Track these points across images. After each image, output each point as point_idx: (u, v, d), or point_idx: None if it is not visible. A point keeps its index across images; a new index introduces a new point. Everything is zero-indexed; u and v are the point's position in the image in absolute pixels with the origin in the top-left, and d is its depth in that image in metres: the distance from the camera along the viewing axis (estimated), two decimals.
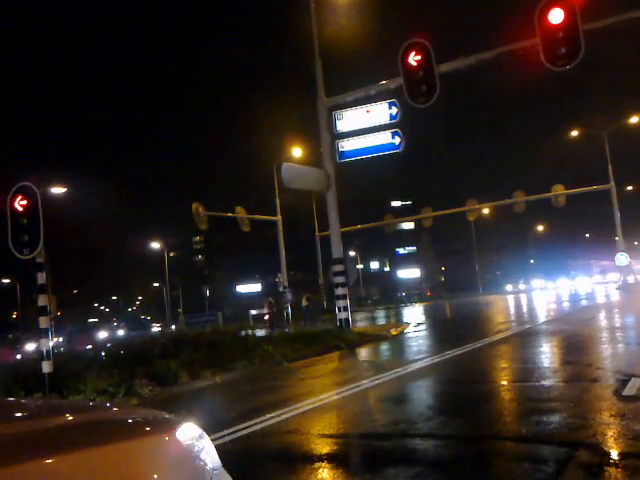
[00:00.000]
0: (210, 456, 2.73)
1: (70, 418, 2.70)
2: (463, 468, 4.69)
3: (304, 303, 30.31)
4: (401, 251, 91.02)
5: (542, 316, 22.97)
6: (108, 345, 22.17)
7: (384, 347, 16.21)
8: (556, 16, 14.63)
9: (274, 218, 33.08)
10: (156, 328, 45.50)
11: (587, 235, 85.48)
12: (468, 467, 4.70)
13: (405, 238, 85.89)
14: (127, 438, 2.44)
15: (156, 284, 71.60)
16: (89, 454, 2.19)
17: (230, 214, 30.36)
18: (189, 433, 2.66)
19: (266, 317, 30.20)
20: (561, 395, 7.19)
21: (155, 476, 2.34)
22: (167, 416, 2.90)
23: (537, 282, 64.77)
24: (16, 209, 10.32)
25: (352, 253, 58.76)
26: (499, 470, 4.61)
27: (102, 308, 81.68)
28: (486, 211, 41.64)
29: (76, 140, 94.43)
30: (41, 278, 10.45)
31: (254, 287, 69.55)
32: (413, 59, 16.41)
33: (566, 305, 28.73)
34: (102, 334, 39.64)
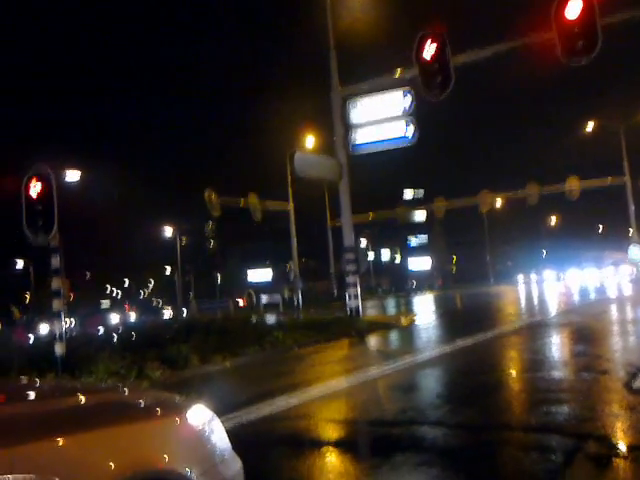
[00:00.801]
0: (220, 439, 2.76)
1: (82, 399, 2.74)
2: (471, 456, 4.71)
3: (286, 294, 30.46)
4: (412, 241, 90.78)
5: (553, 308, 22.89)
6: (120, 329, 22.39)
7: (394, 336, 16.24)
8: (573, 10, 14.42)
9: (286, 206, 33.09)
10: (167, 313, 45.78)
11: (600, 227, 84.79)
12: (476, 455, 4.73)
13: (417, 228, 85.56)
14: (138, 420, 2.48)
15: (168, 270, 71.96)
16: (100, 435, 2.22)
17: (242, 201, 30.40)
18: (199, 416, 2.70)
19: (241, 304, 30.49)
20: (570, 386, 7.19)
21: (166, 457, 2.37)
22: (178, 399, 2.94)
23: (548, 274, 64.39)
24: (31, 193, 10.40)
25: (363, 242, 58.75)
26: (507, 459, 4.63)
27: (114, 292, 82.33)
28: (499, 202, 41.40)
29: (91, 125, 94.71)
30: (55, 262, 10.55)
31: (265, 274, 69.72)
32: (428, 50, 16.25)
33: (577, 297, 28.58)
34: (114, 318, 39.98)
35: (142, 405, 2.74)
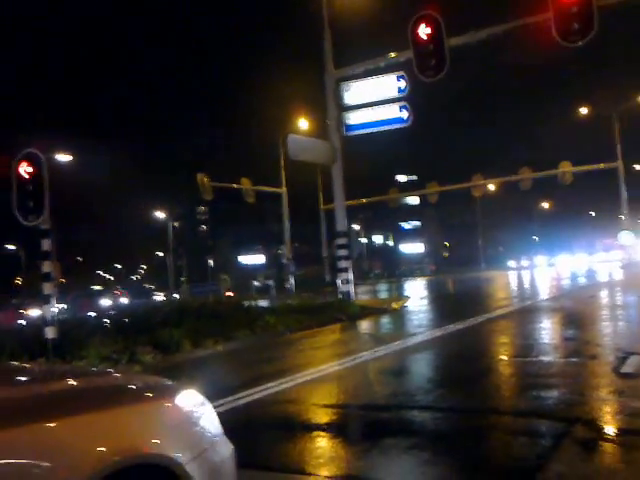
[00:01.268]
0: (211, 423, 2.75)
1: (72, 383, 2.73)
2: (460, 440, 4.75)
3: (261, 280, 30.52)
4: (405, 226, 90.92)
5: (543, 293, 23.02)
6: (111, 312, 22.35)
7: (385, 320, 16.30)
8: None
9: (279, 190, 33.02)
10: (159, 297, 45.74)
11: (592, 213, 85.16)
12: (465, 439, 4.76)
13: (410, 213, 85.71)
14: (128, 403, 2.47)
15: (160, 253, 71.86)
16: (90, 418, 2.21)
17: (235, 185, 30.30)
18: (190, 400, 2.69)
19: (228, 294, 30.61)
20: (560, 371, 7.24)
21: (155, 442, 2.36)
22: (168, 383, 2.93)
23: (540, 259, 64.71)
24: (21, 176, 10.32)
25: (356, 226, 58.73)
26: (496, 443, 4.66)
27: (106, 276, 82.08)
28: (492, 187, 41.43)
29: (82, 108, 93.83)
30: (46, 245, 10.50)
31: (258, 258, 69.73)
32: (423, 32, 16.16)
33: (568, 282, 28.76)
34: (105, 301, 39.93)
35: (132, 389, 2.73)
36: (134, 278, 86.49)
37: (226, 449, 2.80)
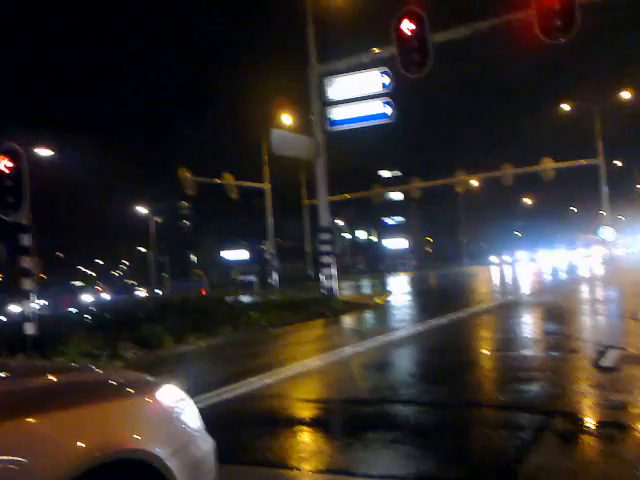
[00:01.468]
0: (191, 418, 2.75)
1: (50, 379, 2.70)
2: (442, 433, 4.78)
3: (237, 276, 30.52)
4: (389, 221, 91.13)
5: (525, 288, 23.24)
6: (92, 308, 22.18)
7: (368, 315, 16.35)
8: None
9: (262, 185, 32.94)
10: (141, 292, 45.46)
11: (574, 209, 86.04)
12: (447, 433, 4.80)
13: (393, 208, 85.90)
14: (108, 399, 2.45)
15: (142, 249, 71.37)
16: (69, 415, 2.19)
17: (218, 180, 30.17)
18: (170, 395, 2.68)
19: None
20: (540, 365, 7.32)
21: (135, 437, 2.35)
22: (148, 378, 2.91)
23: (522, 254, 65.30)
24: (1, 170, 10.18)
25: (340, 222, 58.80)
26: (477, 436, 4.70)
27: (87, 272, 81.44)
28: (475, 183, 41.65)
29: (63, 102, 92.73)
30: (25, 240, 10.37)
31: (241, 254, 69.53)
32: (407, 27, 16.14)
33: (549, 278, 29.07)
34: (86, 297, 39.61)
35: (111, 385, 2.71)
36: (116, 274, 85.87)
37: (207, 444, 2.80)
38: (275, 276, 31.62)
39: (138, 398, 2.57)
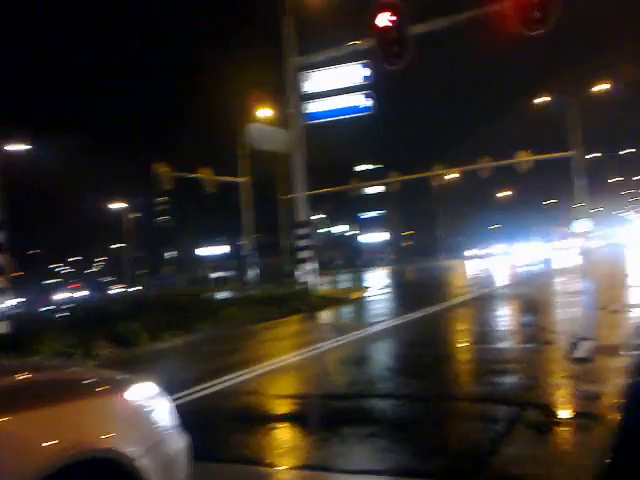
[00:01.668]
0: (165, 416, 2.73)
1: (20, 378, 2.67)
2: (418, 427, 4.80)
3: (209, 273, 30.48)
4: (367, 215, 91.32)
5: (501, 280, 23.46)
6: (68, 306, 21.93)
7: (346, 310, 16.38)
8: None
9: (239, 179, 32.75)
10: (118, 290, 45.05)
11: (552, 202, 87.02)
12: (423, 426, 4.82)
13: (372, 202, 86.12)
14: (79, 398, 2.43)
15: (118, 245, 70.71)
16: (39, 414, 2.17)
17: (195, 175, 29.93)
18: (141, 393, 2.66)
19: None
20: (515, 357, 7.38)
21: (107, 436, 2.33)
22: (120, 377, 2.88)
23: (499, 247, 65.92)
24: None
25: (318, 216, 58.81)
26: (452, 429, 4.74)
27: (63, 270, 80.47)
28: (454, 176, 41.91)
29: (38, 98, 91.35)
30: None
31: (219, 249, 69.18)
32: (385, 19, 16.10)
33: (524, 270, 29.38)
34: (62, 295, 39.14)
35: (82, 383, 2.68)
36: (92, 271, 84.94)
37: (180, 442, 2.80)
38: (253, 272, 31.53)
39: (110, 397, 2.55)
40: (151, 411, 2.66)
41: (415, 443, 4.38)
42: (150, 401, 2.69)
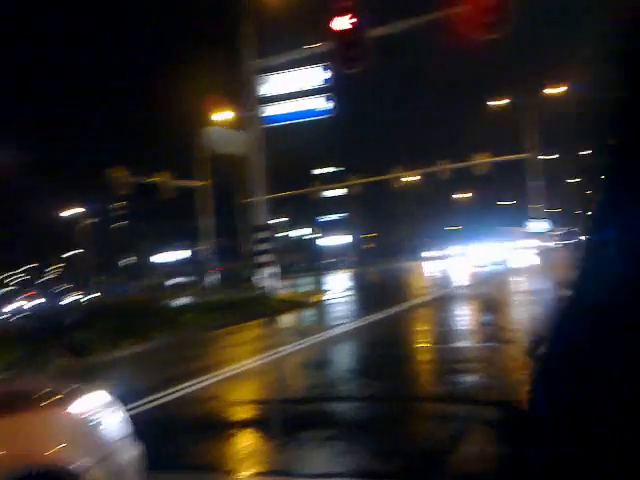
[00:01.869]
0: (116, 426, 2.66)
1: None
2: (378, 428, 4.79)
3: (164, 280, 30.23)
4: (329, 218, 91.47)
5: (459, 281, 23.76)
6: (22, 315, 21.33)
7: (307, 313, 16.32)
8: None
9: (196, 183, 32.39)
10: (75, 297, 44.06)
11: (509, 203, 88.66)
12: (383, 426, 4.81)
13: (334, 205, 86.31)
14: (23, 411, 2.36)
15: (74, 252, 69.18)
16: None
17: (152, 180, 29.46)
18: (91, 404, 2.60)
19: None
20: (476, 356, 7.45)
21: (55, 449, 2.27)
22: (70, 387, 2.80)
23: (459, 248, 66.83)
24: None
25: (279, 220, 58.67)
26: (412, 428, 4.74)
27: (17, 278, 78.41)
28: (416, 178, 42.17)
29: None
30: None
31: (179, 255, 68.30)
32: (343, 23, 16.09)
33: (483, 270, 29.86)
34: (16, 304, 38.09)
35: (29, 396, 2.59)
36: (48, 278, 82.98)
37: (133, 451, 2.74)
38: (213, 277, 31.22)
39: (58, 409, 2.48)
40: (102, 422, 2.59)
41: (375, 444, 4.36)
42: (101, 411, 2.63)
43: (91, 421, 2.54)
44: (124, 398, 2.80)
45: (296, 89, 18.72)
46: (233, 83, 20.58)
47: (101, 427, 2.56)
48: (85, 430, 2.50)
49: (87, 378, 7.50)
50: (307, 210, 76.51)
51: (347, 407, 5.58)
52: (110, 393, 2.78)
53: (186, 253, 63.56)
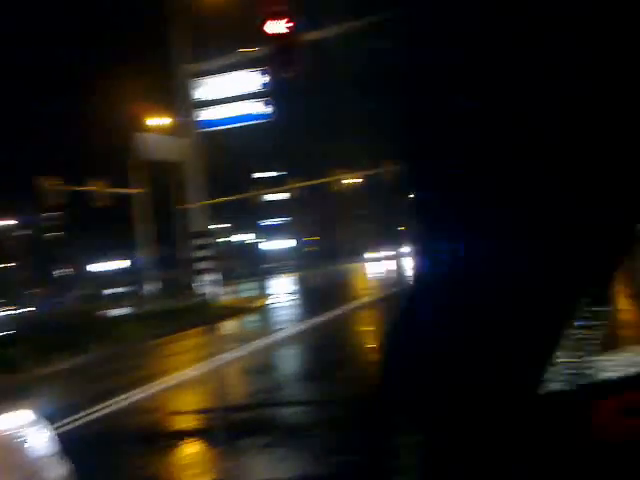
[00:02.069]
0: (41, 444, 2.56)
1: None
2: (316, 432, 4.78)
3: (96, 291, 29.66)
4: (272, 222, 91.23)
5: (400, 281, 24.07)
6: None
7: (249, 319, 16.19)
8: None
9: (133, 191, 31.68)
10: (6, 312, 42.28)
11: None
12: (321, 431, 4.80)
13: (276, 209, 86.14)
14: None
15: (5, 265, 66.49)
16: None
17: (86, 188, 28.65)
18: (12, 422, 2.48)
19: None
20: None
21: None
22: None
23: (399, 248, 67.74)
24: None
25: (220, 225, 58.08)
26: (352, 431, 4.73)
27: None
28: (355, 181, 42.50)
29: None
30: None
31: (116, 264, 66.63)
32: (275, 27, 16.01)
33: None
34: None
35: None
36: None
37: (60, 470, 2.62)
38: (152, 286, 30.60)
39: None
40: (27, 440, 2.48)
41: (312, 448, 4.36)
42: (24, 430, 2.51)
43: (15, 439, 2.44)
44: (54, 415, 2.69)
45: (234, 93, 18.56)
46: (169, 87, 20.24)
47: (24, 446, 2.46)
48: (8, 449, 2.39)
49: (17, 395, 7.20)
50: (249, 215, 76.03)
51: (285, 413, 5.56)
52: (36, 410, 2.67)
53: (124, 262, 62.10)
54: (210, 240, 19.36)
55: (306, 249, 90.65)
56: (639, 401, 0.74)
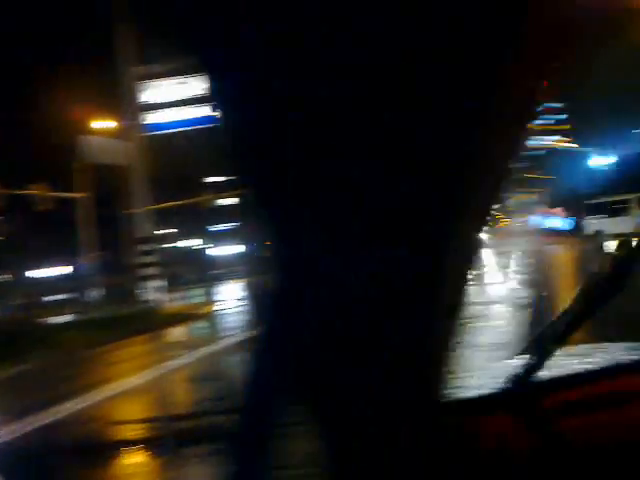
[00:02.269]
0: None
1: None
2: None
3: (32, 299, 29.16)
4: (220, 227, 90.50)
5: None
6: None
7: (196, 326, 16.01)
8: None
9: (76, 195, 30.92)
10: None
11: None
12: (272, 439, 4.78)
13: (225, 214, 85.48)
14: None
15: None
16: None
17: (26, 192, 27.82)
18: None
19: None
20: None
21: None
22: None
23: None
24: None
25: (167, 230, 57.23)
26: (301, 437, 4.73)
27: None
28: None
29: None
30: None
31: (58, 270, 64.81)
32: None
33: None
34: None
35: None
36: None
37: None
38: (95, 292, 29.90)
39: None
40: None
41: (259, 458, 4.32)
42: None
43: None
44: None
45: (181, 97, 18.45)
46: (115, 90, 19.90)
47: None
48: None
49: None
50: (197, 220, 75.24)
51: (233, 420, 5.51)
52: None
53: (67, 268, 60.43)
54: (156, 246, 19.08)
55: (256, 254, 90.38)
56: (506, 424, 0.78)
